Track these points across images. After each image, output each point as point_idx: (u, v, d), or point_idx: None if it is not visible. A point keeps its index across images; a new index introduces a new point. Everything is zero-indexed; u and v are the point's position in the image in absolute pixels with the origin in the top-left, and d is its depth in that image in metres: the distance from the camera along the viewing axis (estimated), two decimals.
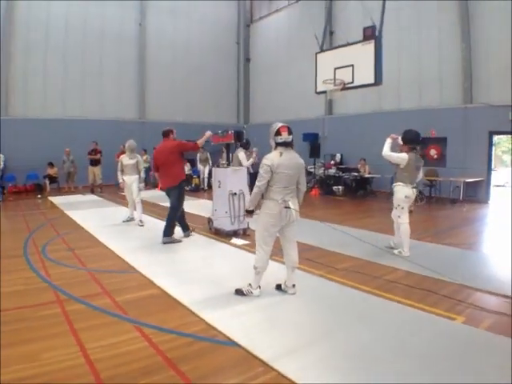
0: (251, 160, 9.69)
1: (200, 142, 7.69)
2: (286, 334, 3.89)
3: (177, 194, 7.62)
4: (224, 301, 4.71)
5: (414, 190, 6.70)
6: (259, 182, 4.58)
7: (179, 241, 7.68)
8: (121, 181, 9.43)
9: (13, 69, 16.85)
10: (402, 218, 6.67)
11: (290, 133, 4.64)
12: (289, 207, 4.58)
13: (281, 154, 4.58)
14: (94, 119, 18.50)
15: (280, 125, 4.66)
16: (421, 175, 7.04)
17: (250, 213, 4.84)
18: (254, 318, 4.26)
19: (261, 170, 4.60)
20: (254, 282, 4.81)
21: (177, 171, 7.59)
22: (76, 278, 5.62)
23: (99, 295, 4.95)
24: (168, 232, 7.60)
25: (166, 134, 7.77)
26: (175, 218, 7.73)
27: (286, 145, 4.63)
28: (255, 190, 4.63)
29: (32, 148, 16.50)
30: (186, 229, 8.10)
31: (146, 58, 20.25)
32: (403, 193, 6.60)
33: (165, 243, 7.53)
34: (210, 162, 16.90)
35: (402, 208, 6.66)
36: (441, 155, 14.14)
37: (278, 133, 4.61)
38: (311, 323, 4.20)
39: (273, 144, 4.70)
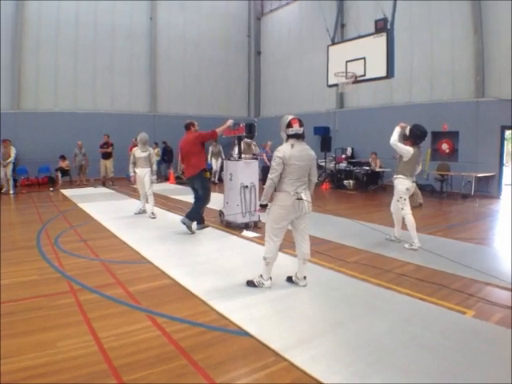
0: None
1: (219, 129, 8.01)
2: (296, 324, 3.92)
3: (201, 185, 7.86)
4: (235, 292, 4.75)
5: (414, 183, 6.91)
6: (272, 175, 4.60)
7: (193, 232, 7.79)
8: (132, 174, 9.47)
9: (24, 64, 16.98)
10: (405, 210, 6.77)
11: (301, 125, 4.66)
12: (301, 199, 4.60)
13: (292, 145, 4.60)
14: (105, 113, 18.64)
15: (291, 117, 4.69)
16: (419, 169, 7.09)
17: (264, 207, 4.85)
18: (265, 309, 4.30)
19: (273, 163, 4.62)
20: (265, 273, 4.84)
21: (197, 161, 7.82)
22: (89, 269, 5.70)
23: (112, 285, 5.01)
24: (191, 216, 7.86)
25: (188, 126, 8.04)
26: (200, 209, 8.03)
27: (298, 136, 4.66)
28: (268, 182, 4.65)
29: (44, 141, 16.71)
30: (200, 222, 8.19)
31: (157, 52, 20.27)
32: (404, 185, 6.74)
33: (182, 223, 7.75)
34: (223, 155, 16.85)
35: (405, 200, 6.78)
36: (452, 149, 14.03)
37: (289, 125, 4.63)
38: (322, 315, 4.23)
39: (284, 136, 4.72)
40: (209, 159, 17.33)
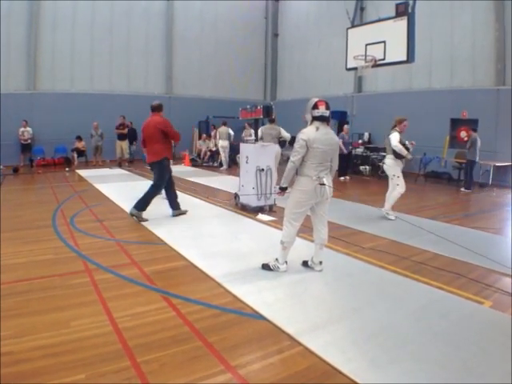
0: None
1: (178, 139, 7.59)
2: (311, 309, 3.90)
3: (158, 171, 7.39)
4: (250, 275, 4.74)
5: None
6: (294, 158, 4.51)
7: (146, 219, 7.30)
8: None
9: (40, 44, 16.91)
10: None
11: (327, 107, 4.56)
12: (323, 184, 4.52)
13: (317, 128, 4.50)
14: (121, 94, 18.59)
15: (317, 99, 4.60)
16: None
17: (283, 190, 4.79)
18: (280, 293, 4.28)
19: (296, 145, 4.52)
20: (281, 257, 4.81)
21: (161, 147, 7.32)
22: (104, 249, 5.73)
23: (127, 265, 5.03)
24: (140, 206, 7.31)
25: (156, 108, 7.46)
26: (152, 196, 7.44)
27: (323, 119, 4.56)
28: (289, 165, 4.57)
29: (60, 122, 16.74)
30: (175, 208, 7.81)
31: (174, 32, 20.09)
32: None
33: (131, 214, 7.34)
34: (232, 138, 16.03)
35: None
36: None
37: (315, 106, 4.53)
38: (337, 300, 4.20)
39: (309, 118, 4.62)
40: (217, 139, 16.53)
